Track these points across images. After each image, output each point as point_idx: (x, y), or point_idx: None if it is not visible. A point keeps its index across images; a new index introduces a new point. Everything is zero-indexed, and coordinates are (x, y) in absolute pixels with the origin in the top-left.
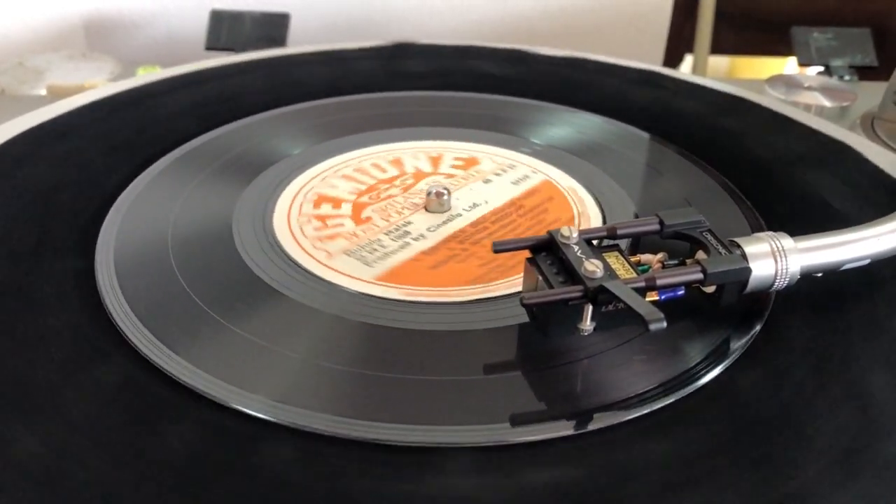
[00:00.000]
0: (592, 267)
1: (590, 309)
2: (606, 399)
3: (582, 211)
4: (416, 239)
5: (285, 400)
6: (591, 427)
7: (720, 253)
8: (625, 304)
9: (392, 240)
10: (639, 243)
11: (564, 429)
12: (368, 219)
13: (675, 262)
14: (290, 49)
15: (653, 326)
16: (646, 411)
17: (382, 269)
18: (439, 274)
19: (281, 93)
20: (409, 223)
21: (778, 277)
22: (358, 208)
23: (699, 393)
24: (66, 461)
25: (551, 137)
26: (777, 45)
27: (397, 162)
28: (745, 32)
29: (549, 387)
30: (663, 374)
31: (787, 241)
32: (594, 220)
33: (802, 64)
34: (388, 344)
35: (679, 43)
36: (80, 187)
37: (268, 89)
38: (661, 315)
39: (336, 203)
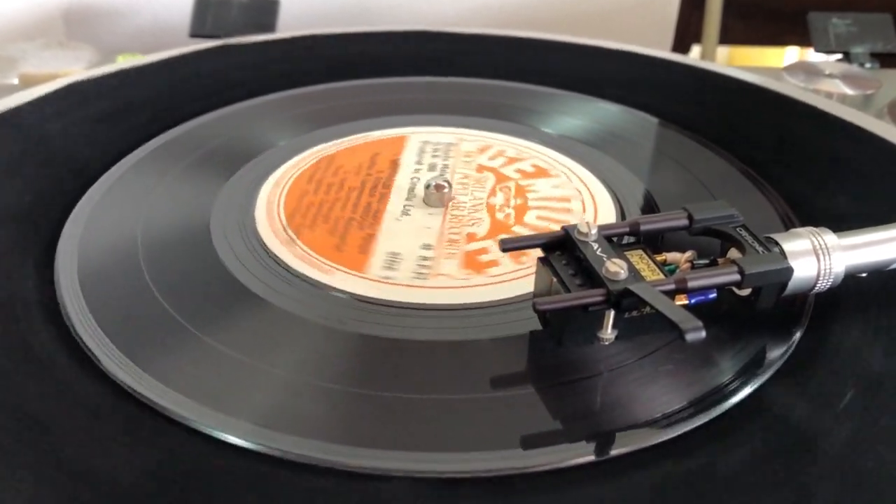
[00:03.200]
0: (615, 267)
1: (612, 315)
2: (630, 418)
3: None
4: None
5: (272, 424)
6: (614, 452)
7: (757, 251)
8: (654, 309)
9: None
10: (661, 241)
11: (582, 454)
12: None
13: (706, 261)
14: (277, 34)
15: (690, 336)
16: (676, 433)
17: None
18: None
19: (269, 79)
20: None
21: (820, 278)
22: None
23: (733, 412)
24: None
25: (561, 126)
26: (786, 34)
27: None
28: (753, 22)
29: (568, 404)
30: (693, 389)
31: (829, 238)
32: (610, 214)
33: (820, 51)
34: (386, 358)
35: (686, 33)
36: (42, 182)
37: (253, 76)
38: (699, 323)
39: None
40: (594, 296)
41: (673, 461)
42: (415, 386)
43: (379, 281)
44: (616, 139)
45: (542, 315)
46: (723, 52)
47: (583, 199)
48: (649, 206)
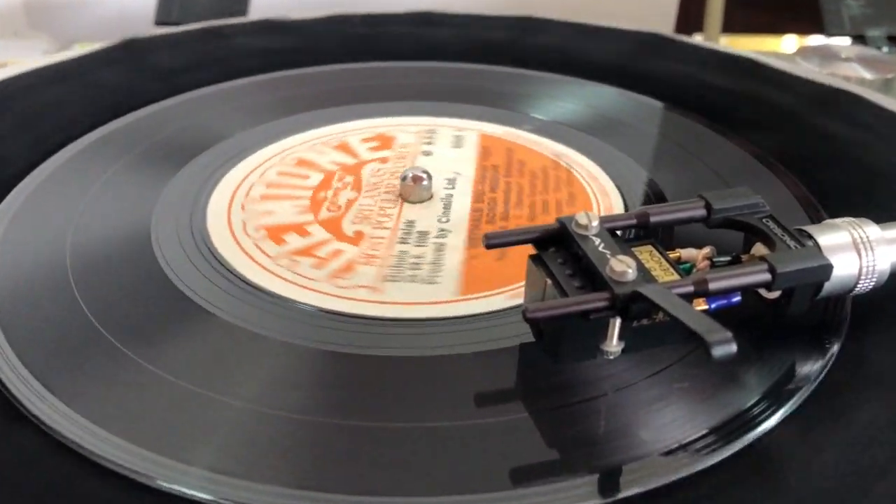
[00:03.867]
0: (621, 266)
1: (618, 324)
2: (641, 449)
3: (561, 153)
4: (440, 236)
5: (229, 469)
6: (625, 492)
7: (788, 246)
8: (669, 316)
9: (418, 245)
10: (673, 236)
11: (586, 495)
12: (360, 234)
13: (727, 258)
14: (235, 19)
15: (718, 351)
16: (695, 469)
17: (452, 281)
18: (514, 262)
19: (223, 67)
20: (411, 222)
21: (863, 277)
22: (334, 224)
23: (760, 442)
24: None
25: (556, 112)
26: (787, 23)
27: (305, 163)
28: (754, 10)
29: (567, 432)
30: (713, 413)
31: (871, 230)
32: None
33: (833, 34)
34: (356, 380)
35: (687, 22)
36: None
37: (208, 62)
38: (728, 333)
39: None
40: (596, 300)
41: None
42: (390, 413)
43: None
44: (614, 124)
45: (535, 325)
46: (721, 41)
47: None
48: (657, 199)
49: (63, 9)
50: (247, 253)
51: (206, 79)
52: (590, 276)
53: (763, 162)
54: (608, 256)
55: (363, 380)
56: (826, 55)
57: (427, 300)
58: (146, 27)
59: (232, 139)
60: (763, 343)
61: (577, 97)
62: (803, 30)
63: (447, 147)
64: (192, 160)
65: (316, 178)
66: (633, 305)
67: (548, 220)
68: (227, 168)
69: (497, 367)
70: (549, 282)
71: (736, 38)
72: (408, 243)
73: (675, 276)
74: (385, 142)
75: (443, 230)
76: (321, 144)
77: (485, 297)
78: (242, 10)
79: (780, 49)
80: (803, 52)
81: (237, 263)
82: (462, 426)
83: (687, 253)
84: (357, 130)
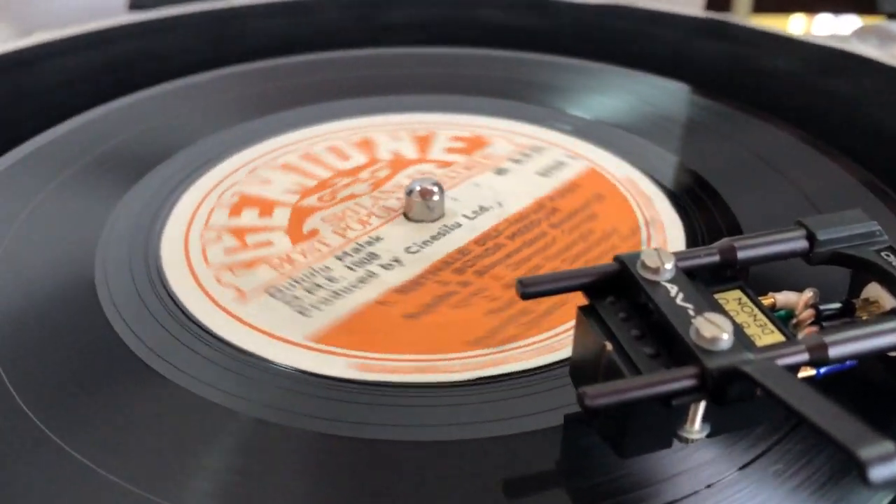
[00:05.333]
0: (712, 329)
1: (703, 403)
2: None
3: (651, 216)
4: (386, 266)
5: None
6: None
7: None
8: (790, 411)
9: (348, 268)
10: (747, 274)
11: None
12: (313, 233)
13: (836, 305)
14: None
15: (877, 473)
16: None
17: (326, 320)
18: (423, 329)
19: (204, 54)
20: (378, 240)
21: None
22: (299, 216)
23: None
24: None
25: (595, 108)
26: (817, 2)
27: (367, 144)
28: None
29: None
30: None
31: None
32: (671, 229)
33: (886, 13)
34: (334, 467)
35: (718, 3)
36: None
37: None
38: (891, 447)
39: (265, 207)
40: (680, 380)
41: None
42: None
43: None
44: (662, 122)
45: (594, 411)
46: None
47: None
48: (729, 222)
49: None
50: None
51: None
52: (664, 337)
53: (869, 186)
54: (691, 313)
55: (349, 468)
56: (884, 35)
57: (272, 330)
58: (117, 12)
59: (201, 143)
60: (876, 410)
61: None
62: (841, 8)
63: (532, 172)
64: (150, 172)
65: (358, 160)
66: (731, 387)
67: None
68: (198, 176)
69: (538, 455)
70: (609, 346)
71: (766, 18)
72: (342, 261)
73: (777, 335)
74: (474, 145)
75: (396, 260)
76: (401, 129)
77: (333, 353)
78: None
79: (809, 27)
80: (861, 32)
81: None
82: None
83: (784, 298)
84: (449, 125)
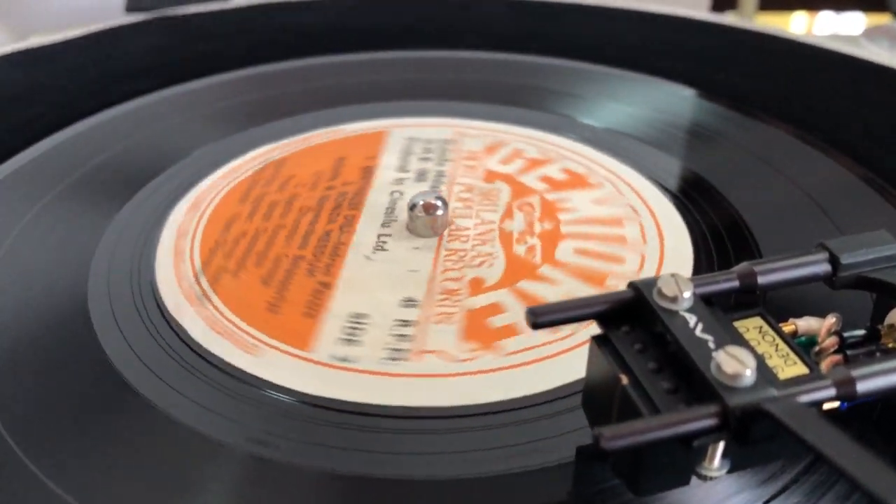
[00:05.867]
0: (734, 365)
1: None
2: None
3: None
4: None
5: None
6: None
7: None
8: (818, 454)
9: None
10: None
11: None
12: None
13: (860, 332)
14: (217, 4)
15: None
16: None
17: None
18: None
19: (200, 61)
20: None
21: None
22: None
23: None
24: None
25: (609, 117)
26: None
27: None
28: None
29: None
30: None
31: None
32: (686, 249)
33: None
34: None
35: (723, 1)
36: None
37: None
38: None
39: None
40: (701, 419)
41: None
42: None
43: (332, 366)
44: (681, 133)
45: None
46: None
47: (641, 223)
48: (746, 238)
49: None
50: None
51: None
52: (682, 369)
53: (867, 182)
54: (711, 346)
55: None
56: (895, 36)
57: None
58: (116, 15)
59: (195, 156)
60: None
61: (632, 95)
62: (845, 6)
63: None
64: (146, 185)
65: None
66: (755, 427)
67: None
68: (188, 187)
69: (545, 490)
70: (625, 380)
71: (770, 16)
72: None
73: (800, 366)
74: (577, 180)
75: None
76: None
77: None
78: None
79: (811, 27)
80: (870, 33)
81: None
82: None
83: (805, 325)
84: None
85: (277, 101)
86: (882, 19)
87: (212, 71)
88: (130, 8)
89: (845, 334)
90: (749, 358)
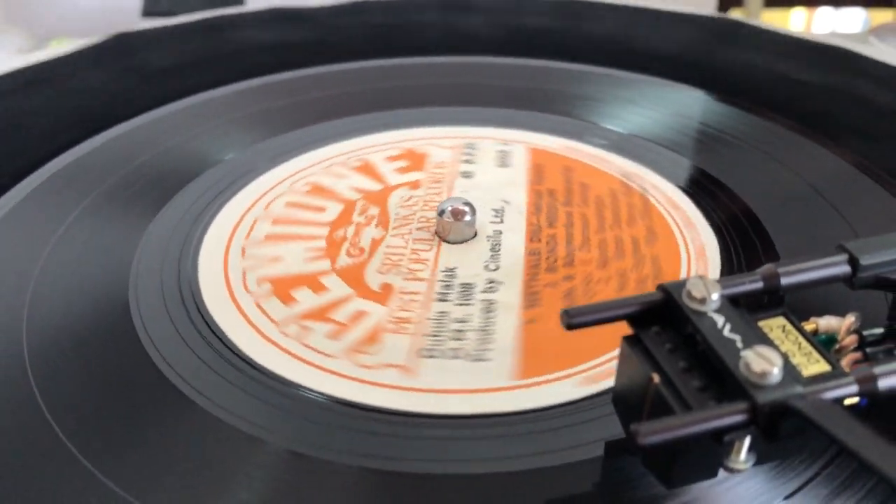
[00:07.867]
0: (762, 363)
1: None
2: None
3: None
4: (489, 290)
5: None
6: None
7: None
8: (845, 448)
9: (461, 304)
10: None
11: None
12: (388, 289)
13: (879, 331)
14: (234, 8)
15: None
16: None
17: (509, 355)
18: (574, 336)
19: (224, 67)
20: (450, 270)
21: None
22: (354, 274)
23: None
24: None
25: (621, 117)
26: None
27: (320, 190)
28: None
29: None
30: None
31: None
32: (711, 252)
33: None
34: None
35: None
36: None
37: (204, 62)
38: None
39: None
40: (731, 415)
41: None
42: None
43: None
44: (693, 133)
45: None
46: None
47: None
48: (758, 236)
49: (43, 1)
50: (246, 317)
51: (195, 84)
52: (711, 369)
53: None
54: (739, 345)
55: None
56: None
57: (475, 386)
58: (133, 19)
59: (230, 160)
60: None
61: (646, 98)
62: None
63: (491, 166)
64: (181, 190)
65: (334, 210)
66: (783, 421)
67: (623, 265)
68: (224, 200)
69: (574, 486)
70: (657, 379)
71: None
72: (448, 300)
73: (823, 364)
74: (416, 161)
75: (491, 282)
76: (339, 165)
77: (551, 381)
78: None
79: (785, 23)
80: (878, 31)
81: (233, 333)
82: None
83: (826, 323)
84: (381, 146)
85: (296, 109)
86: (883, 15)
87: (237, 78)
88: (147, 12)
89: (864, 332)
90: (776, 356)
